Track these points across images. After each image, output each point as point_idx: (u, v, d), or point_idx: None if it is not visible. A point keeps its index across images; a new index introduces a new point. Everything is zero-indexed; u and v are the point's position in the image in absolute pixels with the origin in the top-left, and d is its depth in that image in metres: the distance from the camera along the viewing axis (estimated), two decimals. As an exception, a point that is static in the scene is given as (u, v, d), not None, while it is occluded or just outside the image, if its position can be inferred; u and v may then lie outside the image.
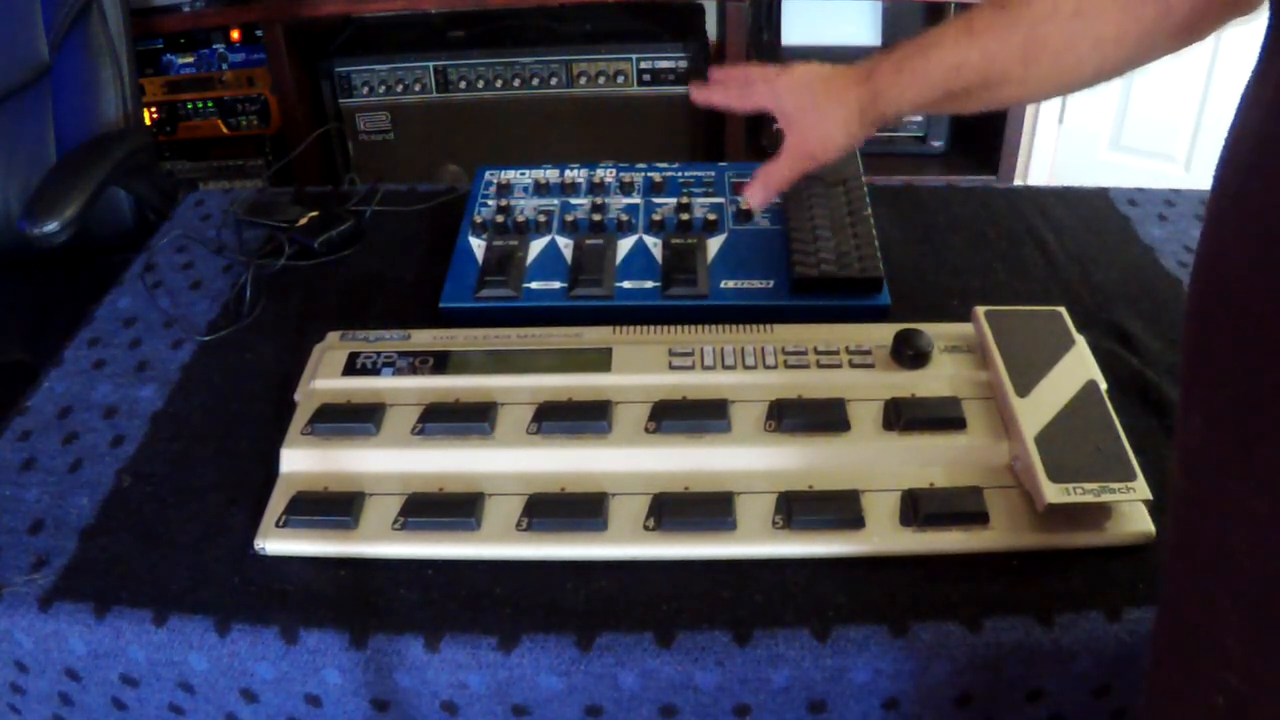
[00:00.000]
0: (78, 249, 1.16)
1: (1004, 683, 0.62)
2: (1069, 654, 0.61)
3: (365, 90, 1.84)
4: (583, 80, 1.83)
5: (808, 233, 0.89)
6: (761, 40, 2.03)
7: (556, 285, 0.88)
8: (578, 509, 0.67)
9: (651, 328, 0.80)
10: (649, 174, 1.00)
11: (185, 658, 0.63)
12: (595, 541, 0.66)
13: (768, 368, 0.75)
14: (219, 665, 0.63)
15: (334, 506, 0.68)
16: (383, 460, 0.71)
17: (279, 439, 0.73)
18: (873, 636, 0.61)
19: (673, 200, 0.97)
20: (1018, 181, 2.02)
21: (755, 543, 0.66)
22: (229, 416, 0.79)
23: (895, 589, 0.63)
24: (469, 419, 0.72)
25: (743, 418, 0.72)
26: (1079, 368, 0.72)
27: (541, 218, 0.96)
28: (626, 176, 1.00)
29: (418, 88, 1.85)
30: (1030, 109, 2.03)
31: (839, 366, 0.75)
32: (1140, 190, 1.05)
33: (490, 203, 0.98)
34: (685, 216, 0.94)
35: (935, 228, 0.99)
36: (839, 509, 0.66)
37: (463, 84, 1.84)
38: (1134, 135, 2.10)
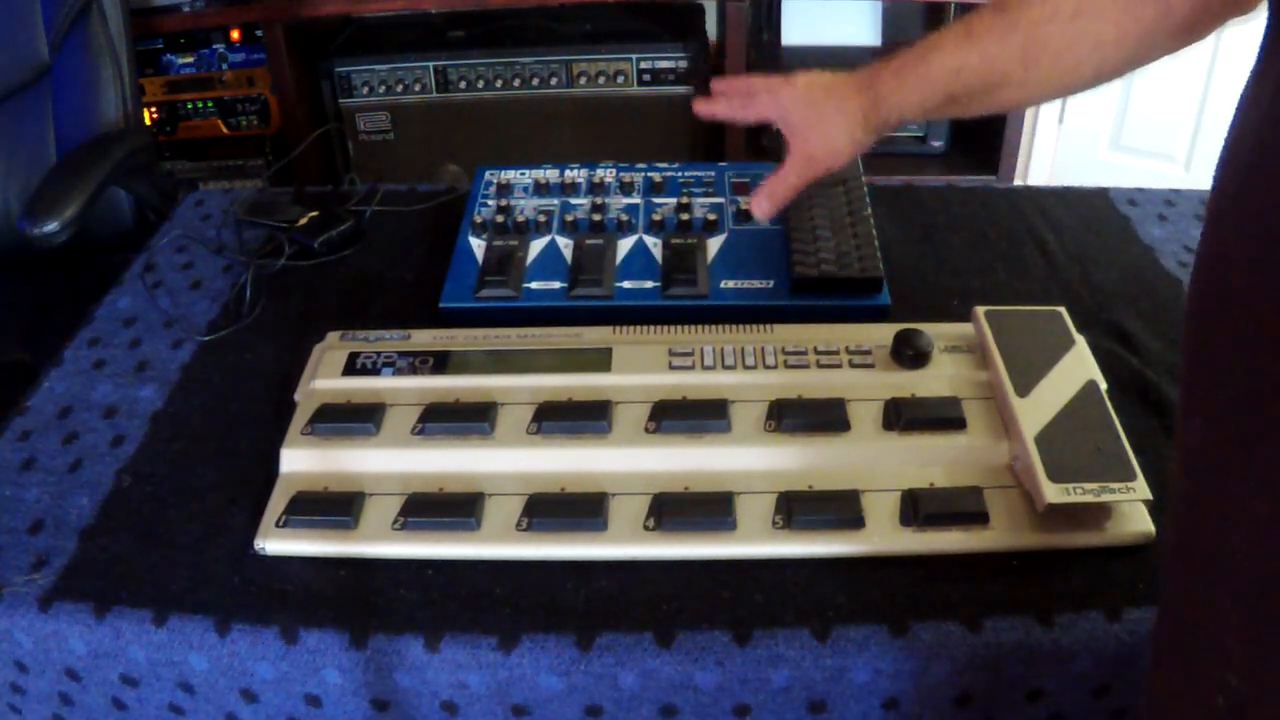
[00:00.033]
0: (78, 249, 1.16)
1: (1004, 683, 0.62)
2: (1069, 654, 0.61)
3: (365, 90, 1.84)
4: (583, 80, 1.83)
5: (808, 233, 0.89)
6: (761, 40, 2.04)
7: (556, 285, 0.88)
8: (578, 509, 0.67)
9: (651, 328, 0.80)
10: (649, 174, 1.00)
11: (185, 658, 0.63)
12: (595, 541, 0.66)
13: (768, 368, 0.75)
14: (219, 665, 0.63)
15: (334, 506, 0.68)
16: (383, 460, 0.71)
17: (279, 439, 0.73)
18: (873, 636, 0.61)
19: (673, 200, 0.97)
20: (1018, 181, 2.02)
21: (755, 543, 0.65)
22: (229, 416, 0.79)
23: (895, 589, 0.63)
24: (469, 419, 0.72)
25: (743, 418, 0.72)
26: (1079, 368, 0.72)
27: (541, 218, 0.96)
28: (626, 176, 1.00)
29: (418, 88, 1.85)
30: (1030, 109, 2.03)
31: (839, 366, 0.75)
32: (1140, 190, 1.05)
33: (490, 203, 0.98)
34: (685, 216, 0.94)
35: (935, 228, 0.99)
36: (839, 509, 0.66)
37: (463, 84, 1.84)
38: (1134, 135, 2.10)
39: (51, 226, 1.09)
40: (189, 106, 1.87)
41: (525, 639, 0.61)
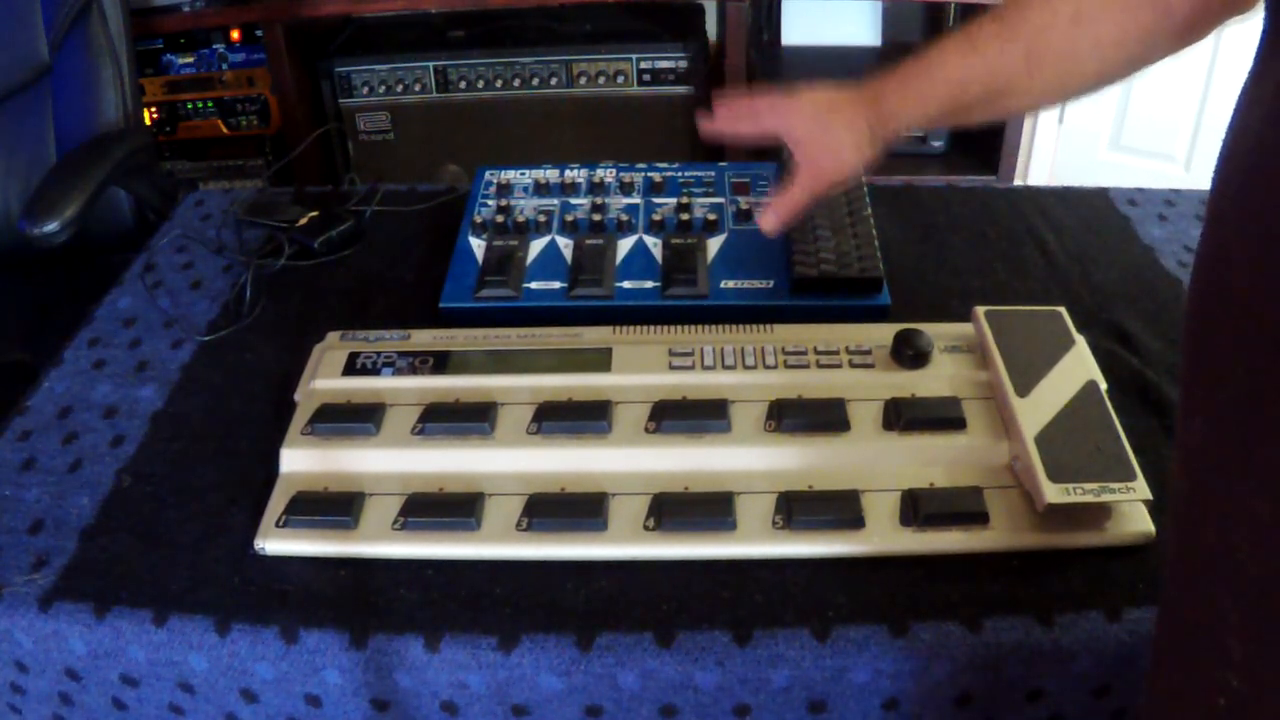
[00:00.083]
0: (78, 249, 1.15)
1: (1004, 683, 0.62)
2: (1069, 654, 0.61)
3: (365, 90, 1.84)
4: (583, 80, 1.83)
5: (808, 233, 0.89)
6: (761, 40, 2.03)
7: (556, 285, 0.88)
8: (578, 509, 0.67)
9: (651, 328, 0.80)
10: (649, 174, 1.00)
11: (185, 658, 0.63)
12: (595, 541, 0.66)
13: (768, 368, 0.75)
14: (219, 665, 0.63)
15: (334, 506, 0.68)
16: (383, 460, 0.71)
17: (279, 439, 0.73)
18: (873, 636, 0.61)
19: (673, 200, 0.97)
20: (1018, 181, 2.02)
21: (755, 543, 0.65)
22: (229, 416, 0.79)
23: (895, 589, 0.63)
24: (469, 419, 0.72)
25: (743, 418, 0.72)
26: (1079, 368, 0.72)
27: (541, 218, 0.96)
28: (626, 176, 1.00)
29: (418, 88, 1.85)
30: (1030, 109, 2.04)
31: (839, 366, 0.75)
32: (1140, 190, 1.05)
33: (490, 203, 0.98)
34: (685, 216, 0.94)
35: (935, 228, 0.99)
36: (839, 509, 0.66)
37: (463, 84, 1.84)
38: (1134, 135, 2.10)
39: (51, 226, 1.09)
40: (189, 106, 1.87)
41: (525, 639, 0.61)
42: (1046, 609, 0.62)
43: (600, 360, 0.77)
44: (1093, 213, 1.01)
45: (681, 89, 1.84)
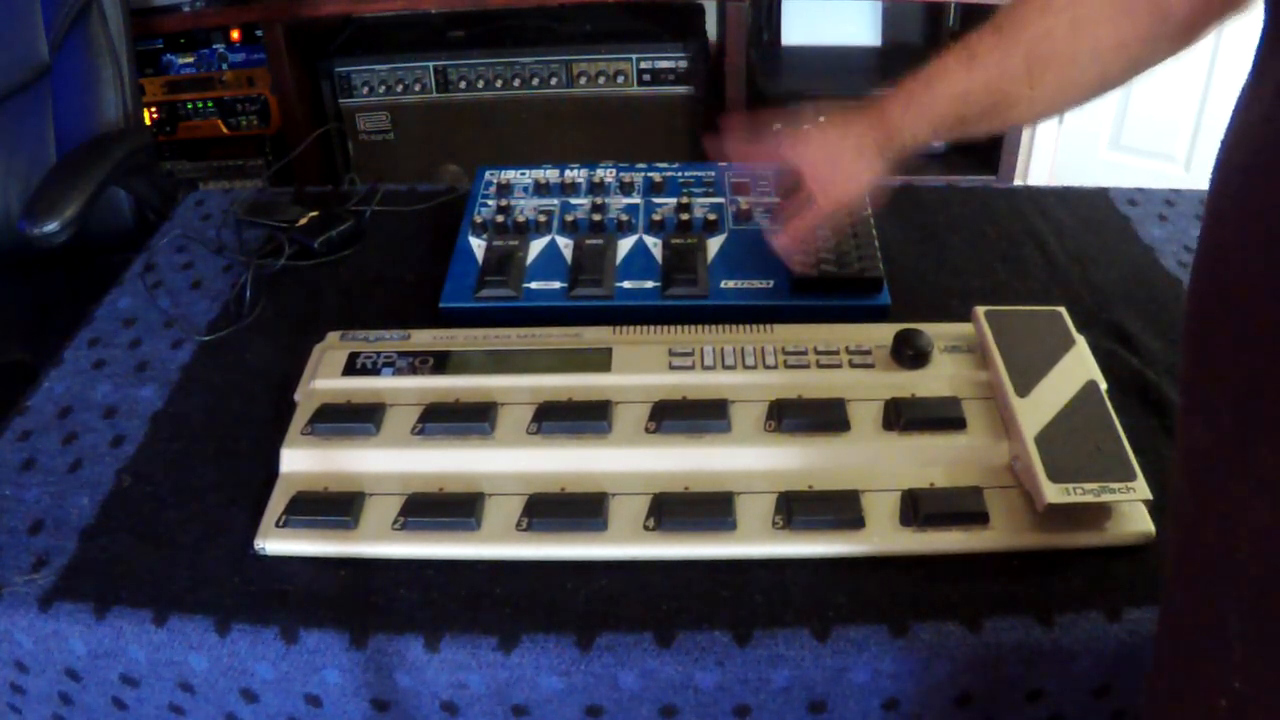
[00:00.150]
0: (78, 249, 1.15)
1: (1004, 683, 0.62)
2: (1069, 654, 0.61)
3: (365, 90, 1.84)
4: (583, 80, 1.83)
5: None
6: (761, 40, 2.04)
7: (556, 285, 0.88)
8: (578, 509, 0.67)
9: (651, 328, 0.80)
10: (649, 174, 1.00)
11: (185, 658, 0.63)
12: (595, 541, 0.66)
13: (768, 368, 0.75)
14: (219, 665, 0.63)
15: (334, 506, 0.68)
16: (383, 460, 0.71)
17: (279, 439, 0.73)
18: (873, 636, 0.61)
19: (673, 200, 0.97)
20: (1018, 181, 2.02)
21: (755, 543, 0.65)
22: (229, 416, 0.79)
23: (895, 589, 0.63)
24: (469, 419, 0.72)
25: (743, 418, 0.72)
26: (1079, 368, 0.72)
27: (541, 218, 0.96)
28: (626, 176, 1.00)
29: (418, 88, 1.85)
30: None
31: (839, 366, 0.75)
32: (1140, 190, 1.05)
33: (490, 203, 0.98)
34: (685, 216, 0.94)
35: (935, 228, 0.99)
36: (839, 509, 0.66)
37: (463, 84, 1.84)
38: (1134, 135, 2.10)
39: (51, 226, 1.09)
40: (189, 106, 1.87)
41: (525, 639, 0.61)
42: (1046, 609, 0.62)
43: (600, 360, 0.77)
44: (1093, 213, 1.01)
45: (681, 89, 1.84)
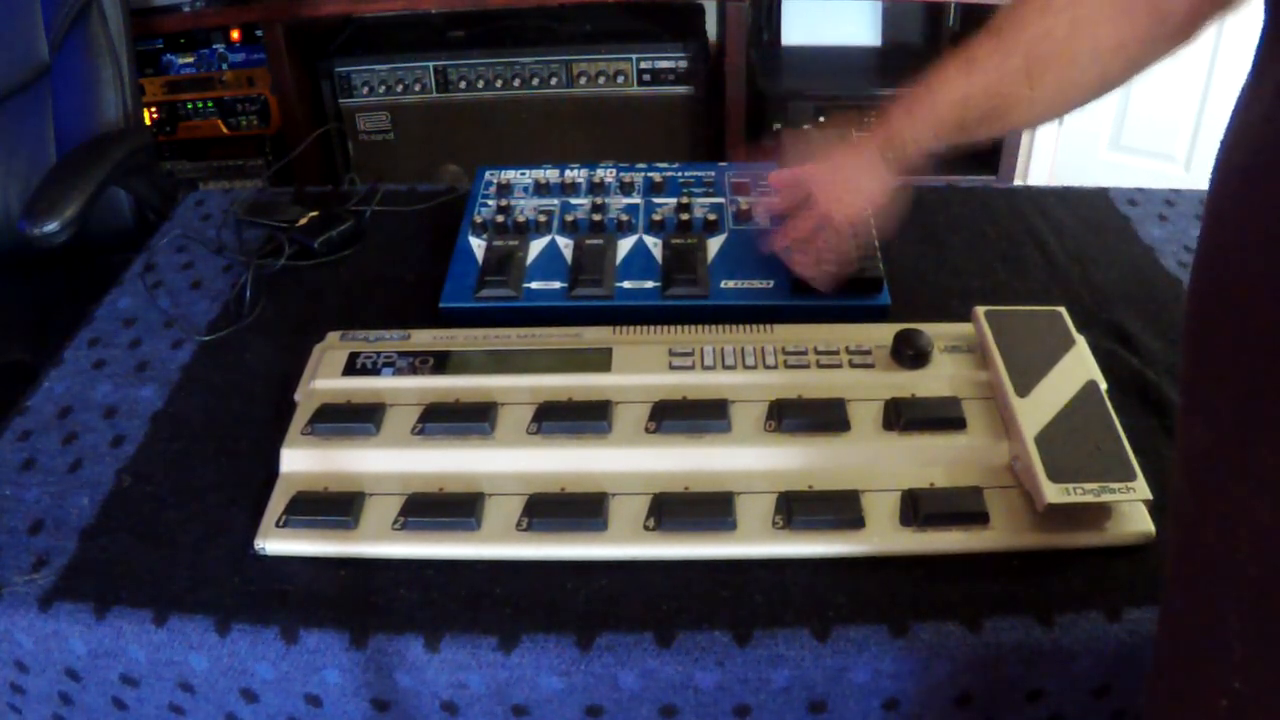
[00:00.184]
0: (78, 249, 1.15)
1: (1004, 683, 0.62)
2: (1069, 654, 0.61)
3: (365, 90, 1.84)
4: (583, 80, 1.83)
5: (808, 233, 0.89)
6: (761, 40, 2.03)
7: (556, 285, 0.88)
8: (578, 509, 0.67)
9: (651, 328, 0.80)
10: (649, 174, 1.00)
11: (185, 658, 0.63)
12: (595, 541, 0.66)
13: (768, 368, 0.75)
14: (219, 665, 0.63)
15: (334, 506, 0.68)
16: (383, 460, 0.71)
17: (279, 439, 0.73)
18: (873, 636, 0.61)
19: (673, 200, 0.97)
20: (1018, 181, 2.02)
21: (755, 543, 0.65)
22: (229, 416, 0.79)
23: (895, 589, 0.63)
24: (469, 419, 0.72)
25: (743, 418, 0.72)
26: (1079, 368, 0.72)
27: (541, 218, 0.95)
28: (626, 176, 1.00)
29: (418, 88, 1.85)
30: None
31: (839, 366, 0.75)
32: (1140, 190, 1.05)
33: (490, 203, 0.98)
34: (685, 216, 0.94)
35: (935, 228, 0.99)
36: (839, 509, 0.66)
37: (463, 84, 1.84)
38: (1134, 135, 2.10)
39: (51, 226, 1.09)
40: (189, 106, 1.87)
41: (525, 639, 0.61)
42: (1046, 609, 0.62)
43: (600, 360, 0.77)
44: (1093, 213, 1.01)
45: (681, 89, 1.84)
